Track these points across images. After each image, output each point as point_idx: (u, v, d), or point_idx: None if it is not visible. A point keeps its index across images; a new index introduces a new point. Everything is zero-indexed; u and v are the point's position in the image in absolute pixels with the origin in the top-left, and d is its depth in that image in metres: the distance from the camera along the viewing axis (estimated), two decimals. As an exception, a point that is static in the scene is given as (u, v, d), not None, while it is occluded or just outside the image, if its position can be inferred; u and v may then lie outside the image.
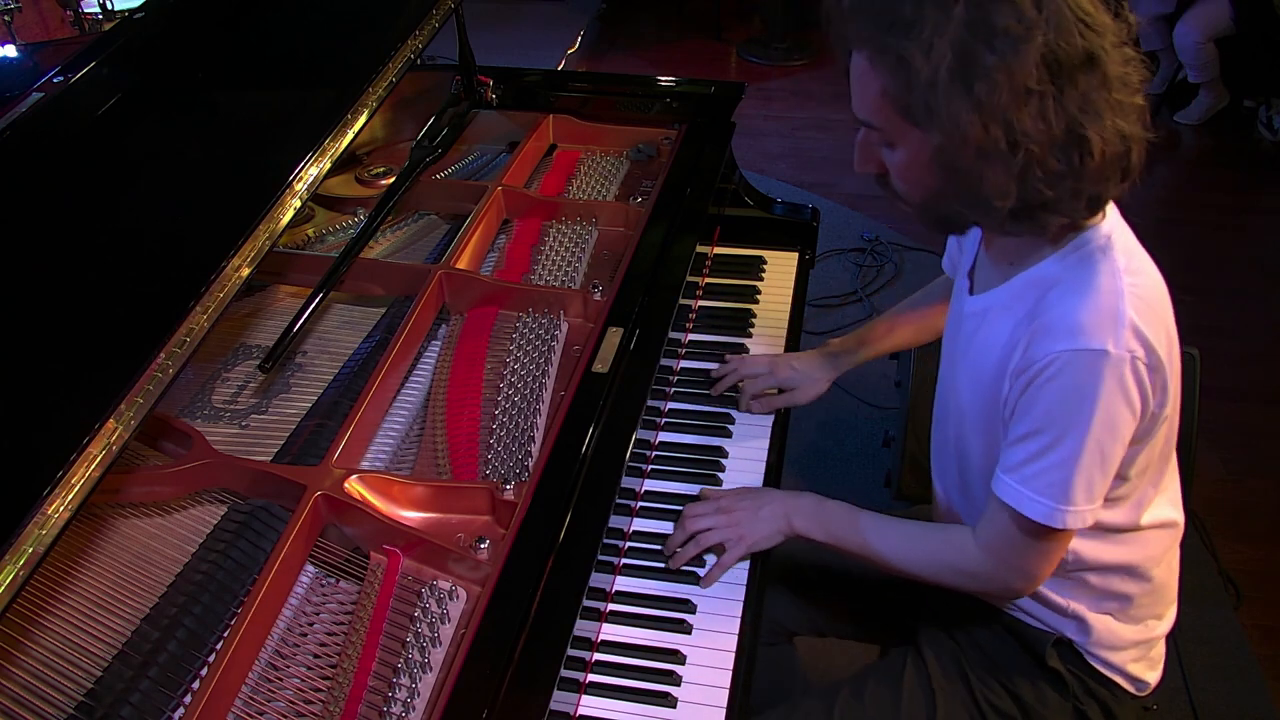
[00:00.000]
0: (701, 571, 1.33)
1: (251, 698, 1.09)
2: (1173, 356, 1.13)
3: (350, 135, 1.50)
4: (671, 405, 1.61)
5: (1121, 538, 1.24)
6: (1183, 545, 1.35)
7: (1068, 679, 1.31)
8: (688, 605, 1.30)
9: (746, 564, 1.35)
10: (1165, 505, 1.27)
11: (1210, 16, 4.03)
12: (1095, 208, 1.08)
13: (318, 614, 1.19)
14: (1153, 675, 1.34)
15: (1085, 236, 1.11)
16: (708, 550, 1.34)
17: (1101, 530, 1.22)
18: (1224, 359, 2.86)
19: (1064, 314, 1.08)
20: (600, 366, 1.41)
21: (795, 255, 1.95)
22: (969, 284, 1.28)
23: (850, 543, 1.31)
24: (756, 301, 1.84)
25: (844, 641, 1.70)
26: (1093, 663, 1.31)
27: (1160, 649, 1.36)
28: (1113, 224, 1.13)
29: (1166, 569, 1.32)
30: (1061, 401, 1.08)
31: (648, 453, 1.51)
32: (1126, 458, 1.13)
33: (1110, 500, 1.17)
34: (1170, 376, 1.12)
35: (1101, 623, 1.29)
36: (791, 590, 1.58)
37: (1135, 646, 1.31)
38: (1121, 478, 1.16)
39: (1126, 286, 1.07)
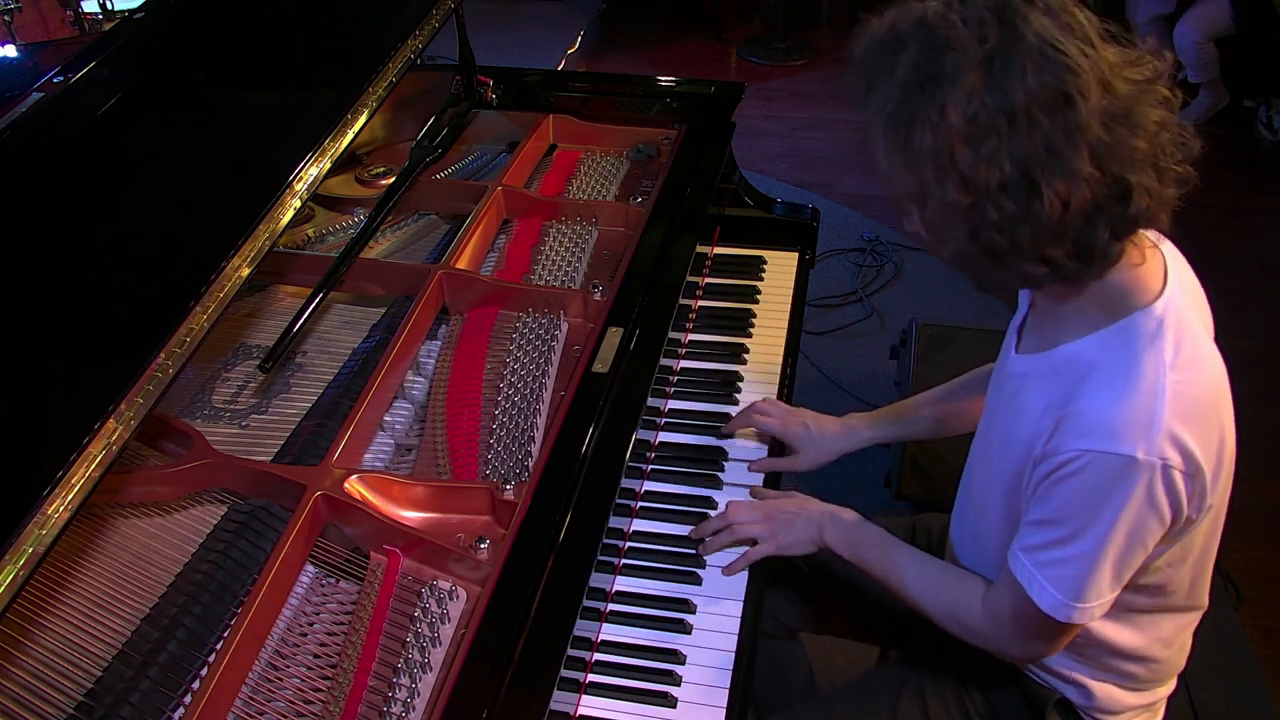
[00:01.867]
0: (724, 559, 1.34)
1: (251, 698, 1.09)
2: (1222, 458, 1.06)
3: (350, 135, 1.50)
4: (671, 405, 1.61)
5: (1139, 620, 1.20)
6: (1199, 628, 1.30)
7: None
8: (688, 605, 1.30)
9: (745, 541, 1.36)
10: (1197, 593, 1.23)
11: (1210, 16, 4.03)
12: (1087, 258, 0.97)
13: (318, 614, 1.19)
14: None
15: (1134, 318, 1.02)
16: (739, 543, 1.34)
17: (1118, 611, 1.14)
18: (1225, 359, 2.85)
19: (1096, 408, 1.00)
20: (600, 366, 1.41)
21: (795, 255, 1.95)
22: (1016, 340, 1.21)
23: (874, 568, 1.30)
24: (756, 301, 1.84)
25: (843, 640, 1.70)
26: None
27: (1163, 704, 1.33)
28: (1169, 303, 1.03)
29: (1178, 649, 1.28)
30: (1081, 500, 1.02)
31: (648, 453, 1.51)
32: (1155, 553, 1.08)
33: (1138, 587, 1.13)
34: (1214, 482, 1.05)
35: (1104, 690, 1.25)
36: (792, 589, 1.58)
37: (1137, 710, 1.28)
38: (1149, 569, 1.11)
39: (1170, 385, 0.99)
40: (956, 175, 0.93)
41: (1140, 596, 1.15)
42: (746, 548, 1.35)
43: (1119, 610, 1.13)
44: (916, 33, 0.93)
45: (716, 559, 1.36)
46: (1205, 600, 1.24)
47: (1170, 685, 1.32)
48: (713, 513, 1.43)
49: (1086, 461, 1.00)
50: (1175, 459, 0.99)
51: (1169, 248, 1.10)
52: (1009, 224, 0.94)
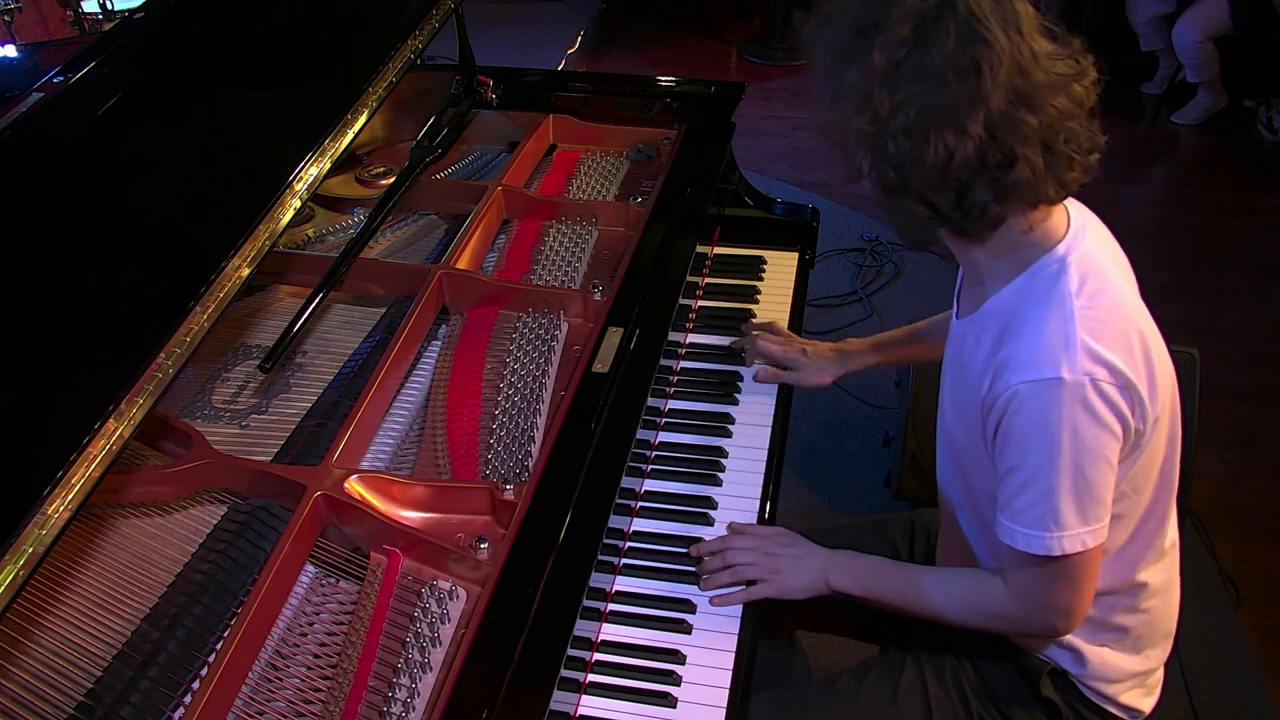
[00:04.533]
0: (725, 591, 1.32)
1: (251, 698, 1.09)
2: (1154, 370, 1.12)
3: (350, 135, 1.50)
4: (671, 405, 1.61)
5: (1118, 559, 1.23)
6: (1182, 561, 1.34)
7: (1062, 709, 1.30)
8: (688, 605, 1.30)
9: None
10: (1171, 528, 1.26)
11: (1208, 16, 4.03)
12: (966, 209, 1.07)
13: (318, 614, 1.19)
14: (1148, 702, 1.33)
15: (1041, 262, 1.12)
16: (740, 581, 1.32)
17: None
18: (1224, 359, 2.86)
19: (1018, 347, 1.09)
20: (600, 366, 1.41)
21: (795, 255, 1.95)
22: (956, 306, 1.30)
23: (889, 597, 1.30)
24: (756, 301, 1.84)
25: (842, 639, 1.70)
26: (1088, 694, 1.30)
27: (1158, 676, 1.35)
28: (1071, 244, 1.13)
29: (1165, 598, 1.30)
30: (1029, 434, 1.08)
31: (648, 453, 1.51)
32: (1120, 472, 1.12)
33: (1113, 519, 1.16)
34: (1151, 392, 1.11)
35: (1097, 655, 1.28)
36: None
37: (1132, 678, 1.30)
38: (1115, 494, 1.15)
39: (1078, 309, 1.08)
40: (869, 110, 1.04)
41: (1115, 533, 1.19)
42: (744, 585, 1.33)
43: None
44: None
45: (716, 561, 1.35)
46: (1174, 533, 1.29)
47: (1163, 649, 1.33)
48: (713, 513, 1.43)
49: (1021, 395, 1.08)
50: (1100, 372, 1.06)
51: (1078, 208, 1.19)
52: (901, 161, 1.05)
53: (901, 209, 1.10)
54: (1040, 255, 1.13)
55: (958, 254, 1.19)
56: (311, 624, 1.18)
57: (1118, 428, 1.08)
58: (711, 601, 1.31)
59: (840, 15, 1.08)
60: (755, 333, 1.68)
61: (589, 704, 1.19)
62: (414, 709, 1.07)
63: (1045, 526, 1.10)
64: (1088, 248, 1.13)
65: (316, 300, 1.49)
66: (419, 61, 1.77)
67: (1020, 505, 1.11)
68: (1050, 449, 1.07)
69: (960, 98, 1.00)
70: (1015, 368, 1.09)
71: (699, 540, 1.38)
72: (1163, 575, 1.28)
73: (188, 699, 1.07)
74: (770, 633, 1.65)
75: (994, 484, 1.16)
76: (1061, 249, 1.12)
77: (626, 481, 1.36)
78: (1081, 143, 1.07)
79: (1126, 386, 1.07)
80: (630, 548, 1.38)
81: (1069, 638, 1.27)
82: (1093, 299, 1.09)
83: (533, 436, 1.36)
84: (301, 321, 1.45)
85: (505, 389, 1.43)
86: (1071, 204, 1.17)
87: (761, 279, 1.89)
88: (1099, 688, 1.29)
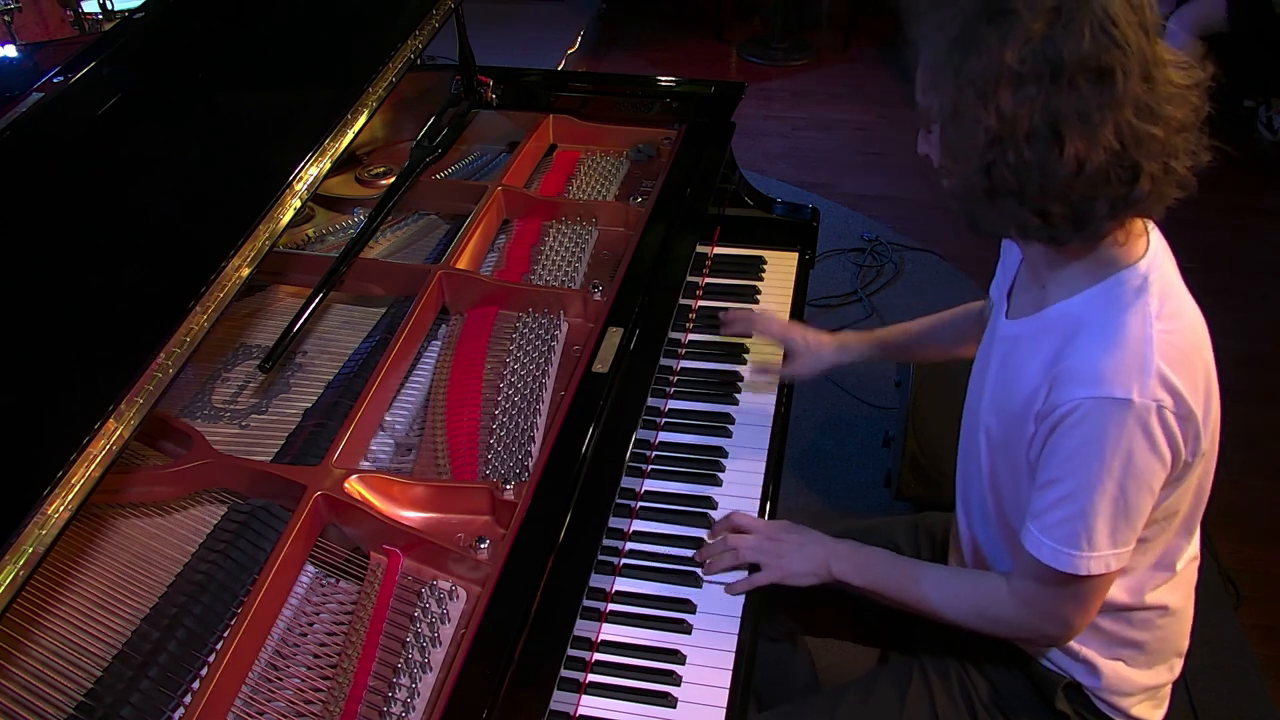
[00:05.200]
0: (702, 572, 1.33)
1: (251, 698, 1.09)
2: (1210, 404, 1.10)
3: (350, 135, 1.50)
4: (671, 405, 1.61)
5: (1140, 578, 1.22)
6: (1197, 588, 1.32)
7: None
8: (688, 605, 1.30)
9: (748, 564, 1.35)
10: (1190, 550, 1.25)
11: (1204, 12, 4.02)
12: (1081, 223, 1.03)
13: (318, 614, 1.19)
14: (1158, 714, 1.32)
15: (1120, 276, 1.08)
16: (740, 566, 1.33)
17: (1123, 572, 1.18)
18: (1224, 359, 2.84)
19: (1089, 360, 1.05)
20: (600, 366, 1.41)
21: (795, 255, 1.95)
22: (1006, 305, 1.25)
23: (888, 589, 1.30)
24: (756, 301, 1.84)
25: (844, 643, 1.70)
26: (1100, 706, 1.29)
27: (1168, 689, 1.34)
28: (1152, 263, 1.09)
29: (1182, 614, 1.29)
30: (1082, 449, 1.05)
31: (648, 453, 1.51)
32: (1156, 503, 1.11)
33: (1138, 543, 1.14)
34: (1205, 425, 1.09)
35: (1112, 668, 1.27)
36: (793, 592, 1.58)
37: (1144, 691, 1.29)
38: (1150, 522, 1.13)
39: (1157, 333, 1.04)
40: (994, 107, 0.98)
41: (1144, 557, 1.18)
42: (747, 571, 1.33)
43: (1123, 572, 1.16)
44: None
45: (719, 545, 1.35)
46: (1194, 549, 1.27)
47: (1175, 665, 1.32)
48: (713, 513, 1.43)
49: (1084, 410, 1.04)
50: (1168, 400, 1.03)
51: (1154, 230, 1.15)
52: (1023, 168, 0.99)
53: (1001, 212, 1.05)
54: (1121, 269, 1.08)
55: (1025, 252, 1.16)
56: (311, 624, 1.18)
57: (1169, 457, 1.06)
58: (725, 588, 1.31)
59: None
60: (757, 320, 1.67)
61: (589, 704, 1.19)
62: (414, 709, 1.07)
63: (1076, 545, 1.08)
64: (1167, 269, 1.11)
65: (316, 300, 1.49)
66: (419, 61, 1.77)
67: (1054, 519, 1.09)
68: (1100, 469, 1.05)
69: (1091, 103, 0.95)
70: (1082, 380, 1.05)
71: (699, 540, 1.38)
72: (1180, 592, 1.27)
73: (188, 699, 1.07)
74: (772, 635, 1.64)
75: (1026, 490, 1.15)
76: (1144, 266, 1.08)
77: (626, 481, 1.36)
78: (1188, 159, 1.02)
79: (1188, 417, 1.05)
80: (630, 548, 1.38)
81: (1084, 650, 1.26)
82: (1171, 322, 1.06)
83: (533, 436, 1.36)
84: (301, 321, 1.45)
85: (505, 389, 1.43)
86: (1151, 228, 1.14)
87: (761, 279, 1.89)
88: (1112, 700, 1.28)
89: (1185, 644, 1.33)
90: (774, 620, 1.60)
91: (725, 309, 1.80)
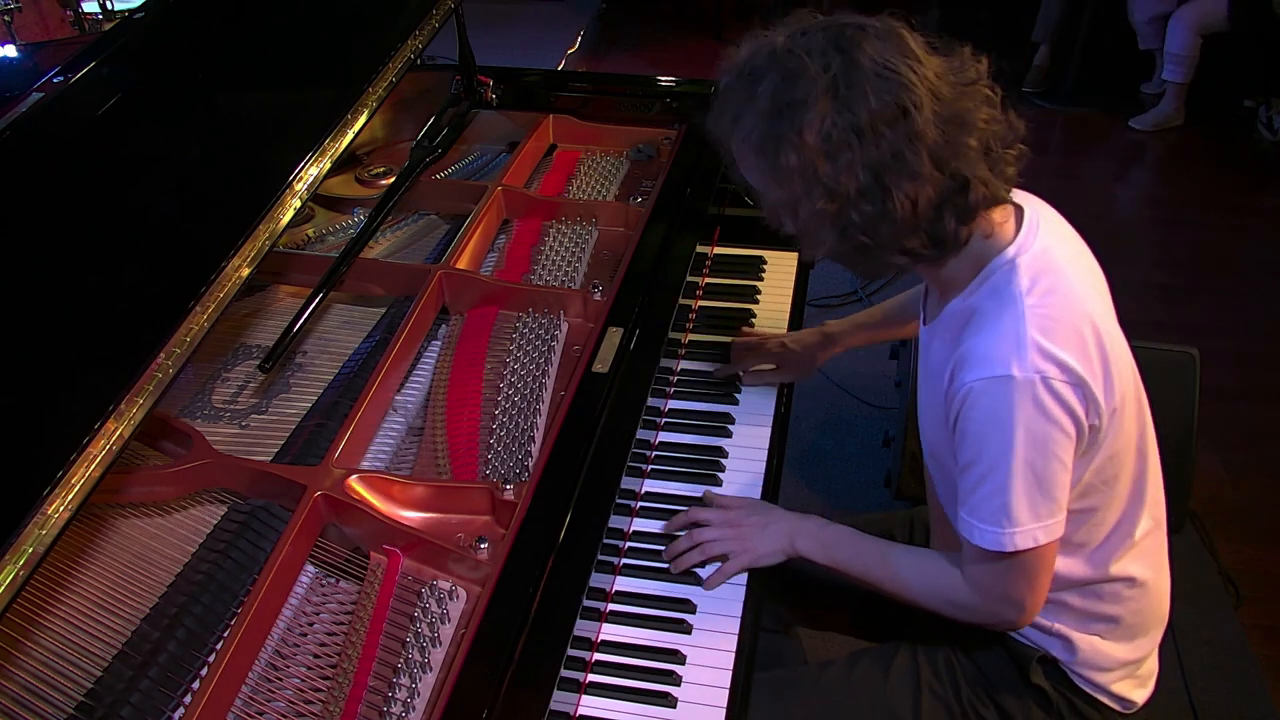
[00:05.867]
0: (703, 573, 1.33)
1: (251, 698, 1.09)
2: (1109, 366, 1.13)
3: (350, 135, 1.50)
4: (671, 405, 1.61)
5: (1098, 551, 1.25)
6: (1172, 553, 1.34)
7: (1053, 697, 1.31)
8: (688, 605, 1.30)
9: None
10: (1145, 518, 1.27)
11: (1205, 10, 4.03)
12: (943, 244, 1.10)
13: (318, 614, 1.19)
14: (1141, 693, 1.34)
15: (990, 266, 1.15)
16: (711, 560, 1.34)
17: (1075, 546, 1.23)
18: (1224, 359, 2.86)
19: (973, 346, 1.12)
20: (600, 366, 1.41)
21: (795, 255, 1.94)
22: (924, 314, 1.32)
23: (852, 567, 1.32)
24: (756, 301, 1.84)
25: (840, 635, 1.70)
26: (1078, 682, 1.30)
27: (1151, 665, 1.35)
28: (1021, 245, 1.14)
29: (1154, 586, 1.31)
30: (983, 430, 1.11)
31: (648, 453, 1.51)
32: (1079, 471, 1.15)
33: (1081, 511, 1.19)
34: (1107, 388, 1.12)
35: (1087, 643, 1.29)
36: (790, 586, 1.58)
37: (1123, 666, 1.31)
38: (1085, 488, 1.18)
39: (1028, 309, 1.10)
40: (820, 187, 1.05)
41: (1074, 524, 1.20)
42: (719, 564, 1.33)
43: (1076, 546, 1.23)
44: (769, 66, 1.07)
45: (684, 542, 1.35)
46: (1148, 522, 1.28)
47: (1154, 638, 1.34)
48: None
49: (974, 392, 1.11)
50: (1051, 370, 1.08)
51: (1033, 204, 1.21)
52: (870, 224, 1.07)
53: (872, 260, 1.13)
54: (993, 257, 1.15)
55: (921, 272, 1.21)
56: (311, 624, 1.18)
57: (1070, 426, 1.10)
58: (705, 583, 1.31)
59: (745, 106, 1.08)
60: (736, 344, 1.67)
61: (589, 704, 1.19)
62: (414, 709, 1.07)
63: (998, 522, 1.13)
64: (1040, 246, 1.15)
65: (316, 300, 1.49)
66: (419, 61, 1.77)
67: (976, 499, 1.14)
68: (1003, 445, 1.10)
69: (900, 143, 1.02)
70: (969, 365, 1.11)
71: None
72: (1147, 563, 1.29)
73: (188, 699, 1.07)
74: (766, 626, 1.65)
75: (952, 480, 1.19)
76: (1011, 250, 1.14)
77: (626, 481, 1.36)
78: (1008, 137, 1.10)
79: (1079, 384, 1.09)
80: (630, 548, 1.38)
81: (1057, 625, 1.28)
82: (1044, 297, 1.11)
83: (533, 436, 1.36)
84: (301, 321, 1.45)
85: (505, 389, 1.43)
86: (1027, 201, 1.19)
87: (761, 279, 1.89)
88: (1090, 676, 1.30)
89: (1164, 614, 1.34)
90: (771, 613, 1.60)
91: (725, 309, 1.81)
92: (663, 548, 1.37)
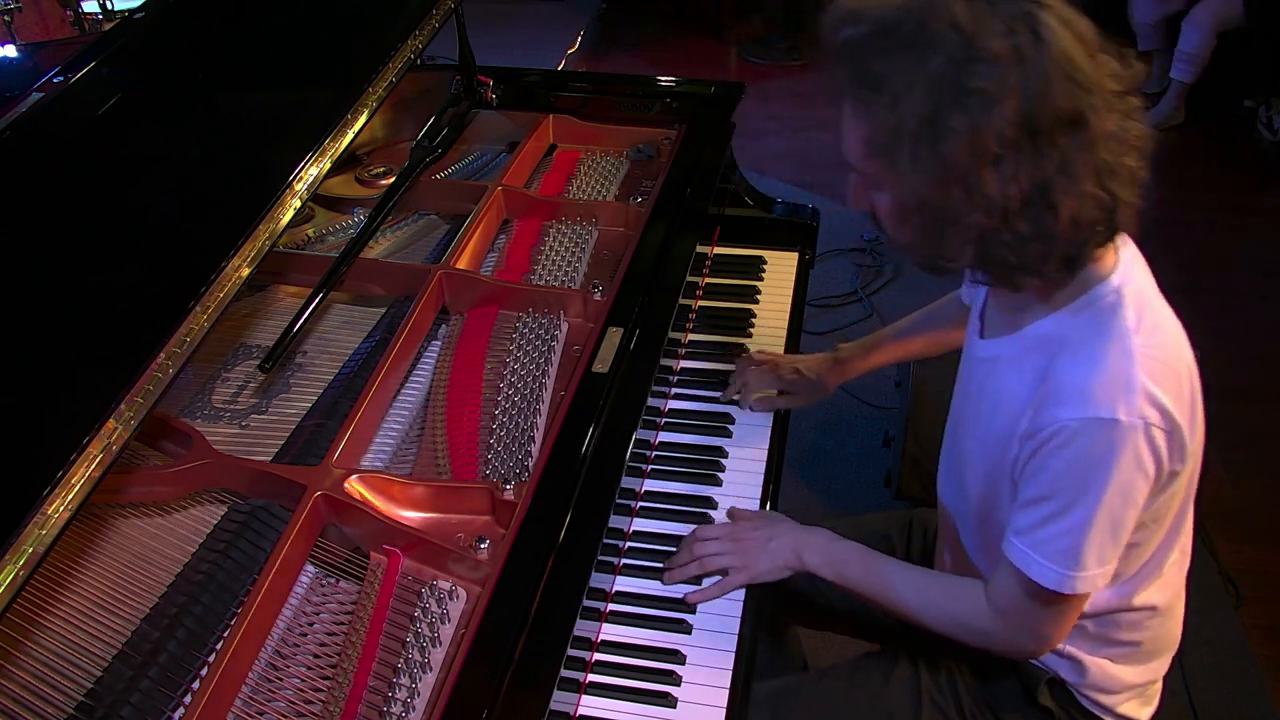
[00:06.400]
0: (703, 582, 1.32)
1: (251, 698, 1.09)
2: (1194, 414, 1.09)
3: (350, 135, 1.50)
4: (671, 405, 1.61)
5: (1128, 584, 1.21)
6: (1189, 581, 1.31)
7: (1059, 716, 1.29)
8: (688, 605, 1.30)
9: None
10: (1176, 549, 1.24)
11: (1222, 5, 4.01)
12: (1073, 268, 1.02)
13: (318, 614, 1.19)
14: (1146, 711, 1.32)
15: (1094, 292, 1.06)
16: (710, 573, 1.32)
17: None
18: (1224, 359, 2.86)
19: (1073, 380, 1.03)
20: (600, 366, 1.41)
21: (795, 255, 1.95)
22: (980, 325, 1.24)
23: (861, 585, 1.29)
24: (756, 301, 1.84)
25: (840, 636, 1.70)
26: (1085, 704, 1.28)
27: (1158, 686, 1.33)
28: (1125, 275, 1.07)
29: (1171, 613, 1.28)
30: (1072, 470, 1.04)
31: (648, 453, 1.51)
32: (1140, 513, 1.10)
33: (1125, 546, 1.13)
34: (1190, 433, 1.07)
35: (1098, 666, 1.26)
36: (790, 586, 1.58)
37: (1131, 689, 1.28)
38: (1137, 525, 1.12)
39: (1138, 348, 1.02)
40: (981, 197, 0.94)
41: (1131, 562, 1.17)
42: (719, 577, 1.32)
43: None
44: (951, 37, 0.91)
45: (684, 555, 1.34)
46: (1186, 548, 1.25)
47: (1165, 661, 1.31)
48: (713, 513, 1.43)
49: (1072, 431, 1.03)
50: (1154, 417, 1.02)
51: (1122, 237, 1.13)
52: (1020, 243, 0.97)
53: (990, 275, 1.04)
54: (1094, 284, 1.06)
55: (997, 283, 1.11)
56: (311, 624, 1.18)
57: (1153, 472, 1.05)
58: (686, 598, 1.30)
59: (910, 65, 0.92)
60: (742, 360, 1.63)
61: (589, 704, 1.19)
62: (414, 709, 1.07)
63: (1066, 564, 1.07)
64: (1139, 279, 1.08)
65: (316, 300, 1.49)
66: (419, 61, 1.77)
67: (1045, 535, 1.08)
68: (1090, 489, 1.03)
69: (1071, 154, 0.92)
70: (1068, 401, 1.03)
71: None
72: (1168, 591, 1.26)
73: (188, 699, 1.07)
74: (767, 627, 1.65)
75: (1007, 508, 1.13)
76: (1116, 279, 1.06)
77: (626, 481, 1.36)
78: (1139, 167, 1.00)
79: (1173, 430, 1.04)
80: (630, 548, 1.38)
81: (1069, 648, 1.25)
82: (1151, 336, 1.04)
83: (533, 436, 1.36)
84: (301, 321, 1.45)
85: (505, 389, 1.43)
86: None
87: (761, 279, 1.89)
88: (1097, 698, 1.27)
89: (1177, 639, 1.32)
90: (770, 613, 1.60)
91: (725, 309, 1.81)
92: (662, 548, 1.37)
